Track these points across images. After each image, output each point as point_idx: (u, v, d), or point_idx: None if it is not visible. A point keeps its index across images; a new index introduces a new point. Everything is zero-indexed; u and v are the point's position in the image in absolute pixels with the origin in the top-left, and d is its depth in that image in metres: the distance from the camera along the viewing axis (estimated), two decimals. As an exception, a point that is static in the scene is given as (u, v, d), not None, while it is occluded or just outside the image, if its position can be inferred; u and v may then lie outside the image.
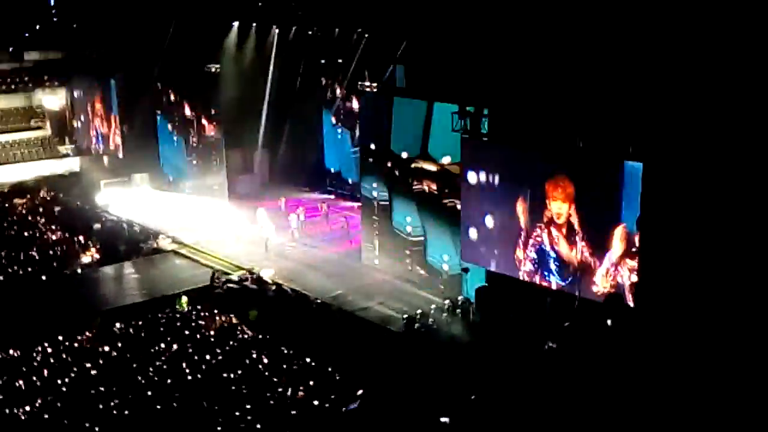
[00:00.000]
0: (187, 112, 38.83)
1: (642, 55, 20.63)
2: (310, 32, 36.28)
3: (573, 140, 22.09)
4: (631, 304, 21.09)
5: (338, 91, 37.16)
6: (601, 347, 19.57)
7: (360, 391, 20.15)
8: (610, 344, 19.62)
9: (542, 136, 22.84)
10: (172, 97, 39.64)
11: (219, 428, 18.69)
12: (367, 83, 30.88)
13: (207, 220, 35.34)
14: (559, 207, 22.61)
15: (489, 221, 24.65)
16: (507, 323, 23.32)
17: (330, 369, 21.44)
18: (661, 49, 20.30)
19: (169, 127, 40.20)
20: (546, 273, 23.33)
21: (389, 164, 27.94)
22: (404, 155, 27.32)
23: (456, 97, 25.05)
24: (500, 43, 24.24)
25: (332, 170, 38.95)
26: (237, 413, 19.27)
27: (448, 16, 26.37)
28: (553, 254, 23.03)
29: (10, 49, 46.85)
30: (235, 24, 37.17)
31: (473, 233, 25.14)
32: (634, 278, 20.91)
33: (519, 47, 23.61)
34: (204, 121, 37.83)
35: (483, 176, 24.57)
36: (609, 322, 20.72)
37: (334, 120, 37.94)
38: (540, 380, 19.15)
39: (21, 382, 21.19)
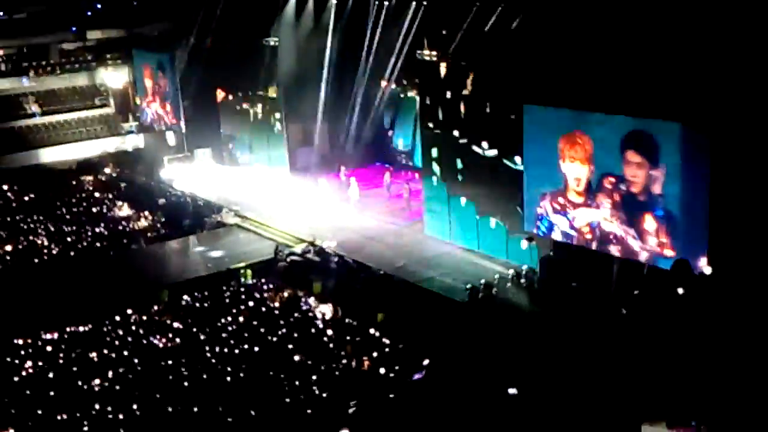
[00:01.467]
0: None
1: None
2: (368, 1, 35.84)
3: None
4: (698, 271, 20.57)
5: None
6: (672, 315, 19.03)
7: (426, 362, 20.06)
8: (681, 312, 19.06)
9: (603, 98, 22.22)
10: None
11: (287, 399, 18.83)
12: (426, 51, 30.36)
13: (269, 193, 35.52)
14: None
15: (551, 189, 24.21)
16: (573, 292, 22.88)
17: (395, 340, 21.37)
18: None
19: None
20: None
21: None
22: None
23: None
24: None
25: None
26: (302, 385, 19.38)
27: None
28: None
29: (73, 28, 47.60)
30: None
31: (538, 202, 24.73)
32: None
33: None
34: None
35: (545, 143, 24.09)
36: (680, 290, 20.14)
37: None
38: (610, 349, 18.72)
39: (93, 355, 21.68)
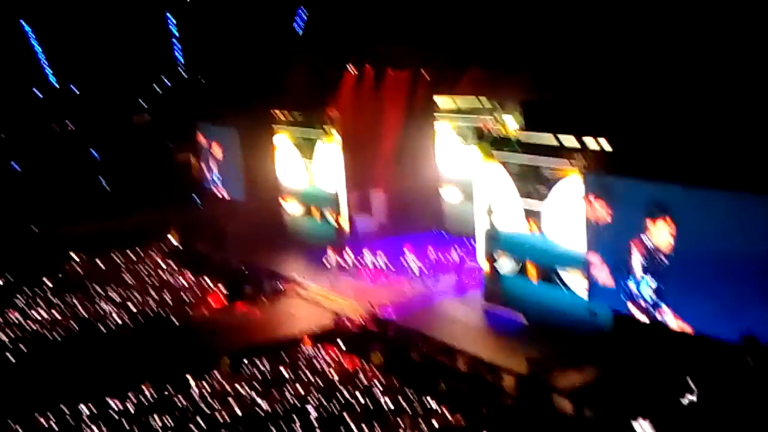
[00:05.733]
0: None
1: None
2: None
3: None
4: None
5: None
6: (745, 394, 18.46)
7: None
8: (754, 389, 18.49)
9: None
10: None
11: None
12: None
13: (327, 260, 35.77)
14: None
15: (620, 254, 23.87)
16: (637, 371, 22.23)
17: (453, 412, 21.17)
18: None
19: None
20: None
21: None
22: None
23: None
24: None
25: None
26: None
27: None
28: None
29: (145, 105, 49.68)
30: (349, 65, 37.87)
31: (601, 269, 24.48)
32: None
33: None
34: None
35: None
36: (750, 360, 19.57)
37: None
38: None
39: (156, 421, 21.97)
